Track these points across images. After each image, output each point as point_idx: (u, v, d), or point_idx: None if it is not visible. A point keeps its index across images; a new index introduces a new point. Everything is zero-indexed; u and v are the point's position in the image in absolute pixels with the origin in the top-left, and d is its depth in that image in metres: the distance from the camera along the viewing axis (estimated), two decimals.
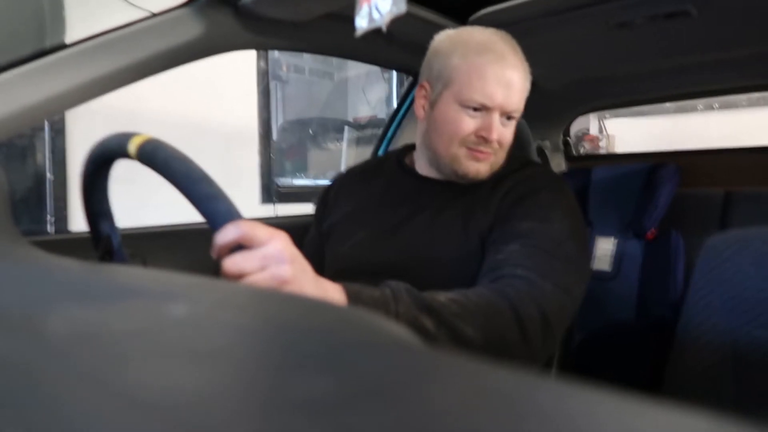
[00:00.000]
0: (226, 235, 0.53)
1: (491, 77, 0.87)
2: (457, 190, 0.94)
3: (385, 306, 0.63)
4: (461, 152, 0.91)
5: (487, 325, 0.69)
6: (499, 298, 0.72)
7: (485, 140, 0.88)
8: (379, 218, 0.97)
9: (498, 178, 0.94)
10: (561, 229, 0.84)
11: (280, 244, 0.55)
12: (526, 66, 0.91)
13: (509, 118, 0.90)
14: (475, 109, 0.88)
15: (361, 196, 1.04)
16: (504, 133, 0.90)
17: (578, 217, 0.91)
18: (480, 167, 0.91)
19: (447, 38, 0.94)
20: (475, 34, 0.92)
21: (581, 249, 0.87)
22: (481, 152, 0.90)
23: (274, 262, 0.54)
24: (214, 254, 0.55)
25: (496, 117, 0.88)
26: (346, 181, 1.11)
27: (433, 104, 0.94)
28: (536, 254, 0.79)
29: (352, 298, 0.62)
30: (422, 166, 1.01)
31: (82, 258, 0.43)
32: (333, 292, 0.61)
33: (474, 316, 0.68)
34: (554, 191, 0.90)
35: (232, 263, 0.53)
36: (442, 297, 0.68)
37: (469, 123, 0.89)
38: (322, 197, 1.12)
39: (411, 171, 1.02)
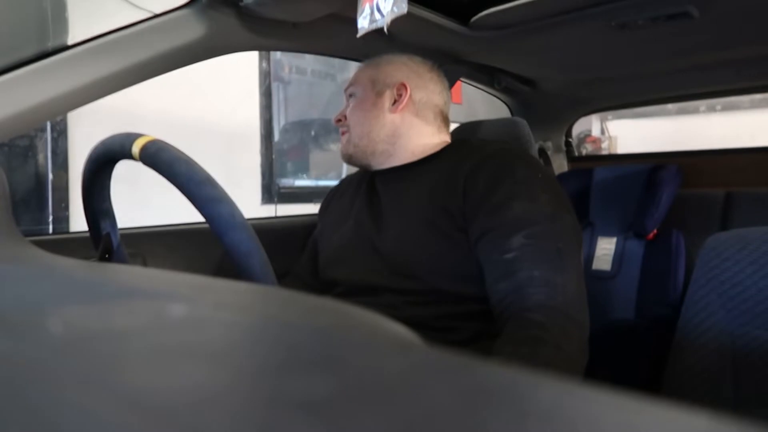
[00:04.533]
0: None
1: None
2: (413, 175, 0.97)
3: None
4: None
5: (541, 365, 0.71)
6: (541, 344, 0.73)
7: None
8: (357, 220, 1.01)
9: (456, 160, 0.94)
10: (549, 200, 0.86)
11: None
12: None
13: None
14: None
15: (352, 197, 1.07)
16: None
17: (553, 178, 0.94)
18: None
19: None
20: None
21: (569, 207, 0.89)
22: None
23: None
24: None
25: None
26: (347, 183, 1.15)
27: None
28: (543, 246, 0.81)
29: None
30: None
31: (82, 258, 0.44)
32: None
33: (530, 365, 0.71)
34: (526, 164, 0.91)
35: None
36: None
37: None
38: (327, 197, 1.17)
39: (379, 171, 1.04)
